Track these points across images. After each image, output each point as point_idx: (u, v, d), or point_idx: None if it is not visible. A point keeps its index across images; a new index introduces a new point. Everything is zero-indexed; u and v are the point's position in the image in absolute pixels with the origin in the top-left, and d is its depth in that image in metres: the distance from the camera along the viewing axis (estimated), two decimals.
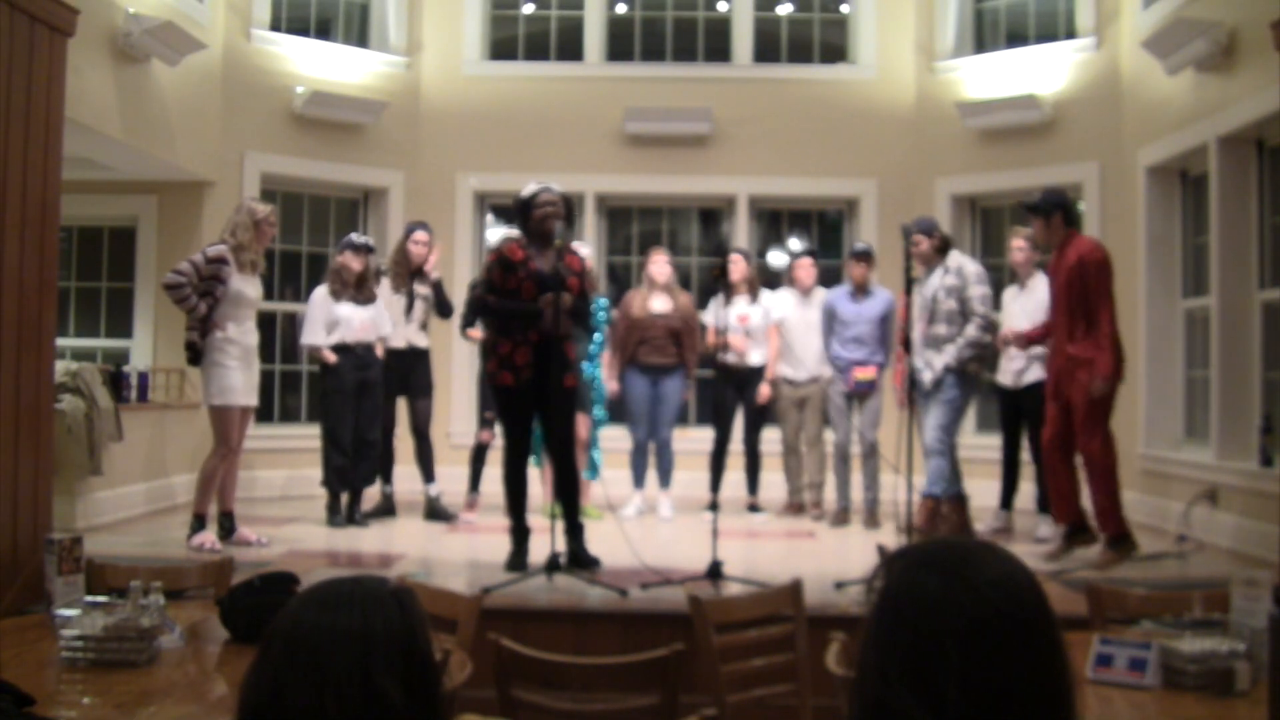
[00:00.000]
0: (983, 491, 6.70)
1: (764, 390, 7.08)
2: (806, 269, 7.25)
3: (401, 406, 6.99)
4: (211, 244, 5.73)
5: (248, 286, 5.67)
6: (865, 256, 6.90)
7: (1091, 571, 5.09)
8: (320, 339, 6.45)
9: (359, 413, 6.51)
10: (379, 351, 6.61)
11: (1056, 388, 5.51)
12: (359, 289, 6.54)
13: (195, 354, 5.63)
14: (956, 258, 5.99)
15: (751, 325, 7.10)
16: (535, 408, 5.19)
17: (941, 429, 5.87)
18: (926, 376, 5.91)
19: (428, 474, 6.90)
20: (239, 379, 5.64)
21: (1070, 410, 5.40)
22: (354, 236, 6.73)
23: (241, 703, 1.37)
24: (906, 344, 5.59)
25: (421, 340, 6.92)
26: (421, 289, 6.85)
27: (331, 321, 6.46)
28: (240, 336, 5.66)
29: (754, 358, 7.09)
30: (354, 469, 6.57)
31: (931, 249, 6.01)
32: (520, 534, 5.23)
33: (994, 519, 6.48)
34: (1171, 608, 3.00)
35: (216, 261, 5.56)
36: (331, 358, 6.42)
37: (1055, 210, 5.46)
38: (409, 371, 6.85)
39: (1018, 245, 6.37)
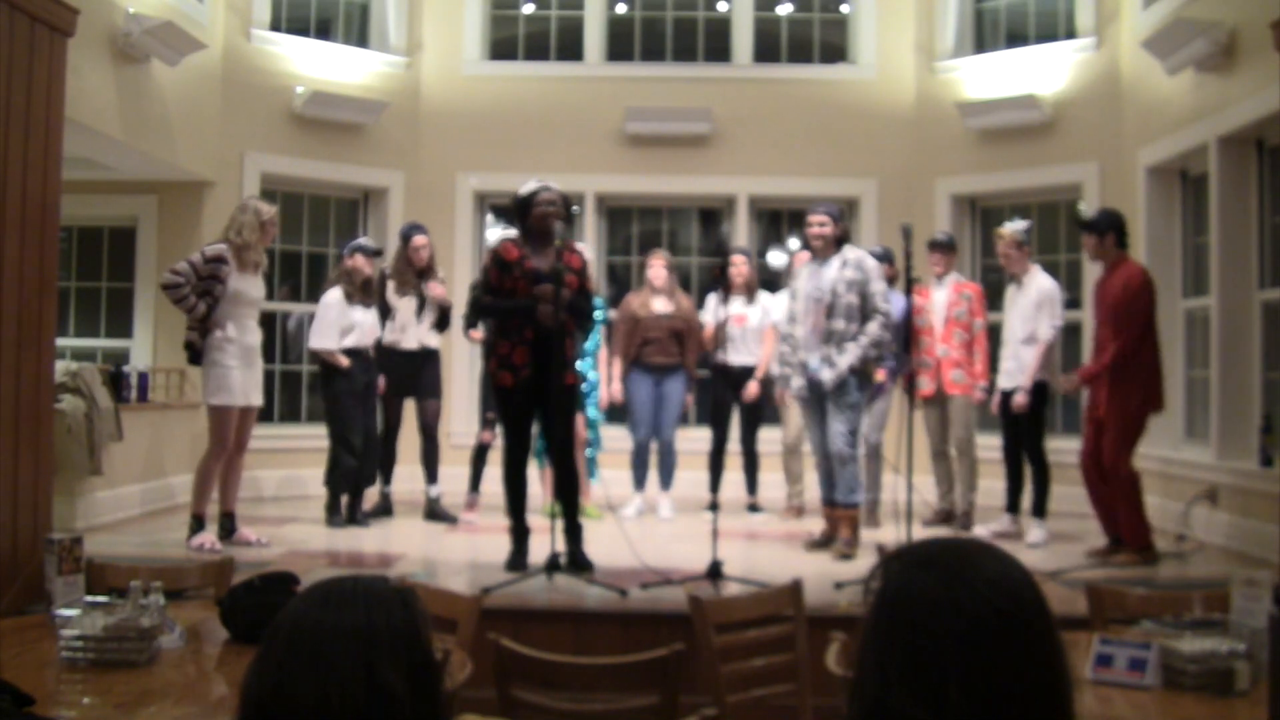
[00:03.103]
0: (987, 492, 6.70)
1: (752, 388, 7.02)
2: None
3: (408, 407, 6.95)
4: (210, 243, 5.72)
5: (248, 286, 5.67)
6: None
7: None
8: (333, 343, 6.42)
9: (366, 414, 6.55)
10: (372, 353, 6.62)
11: (1094, 406, 5.65)
12: (365, 292, 6.55)
13: (195, 354, 5.63)
14: (855, 250, 5.79)
15: (748, 326, 7.08)
16: (535, 407, 5.20)
17: (851, 434, 5.69)
18: (826, 375, 5.66)
19: (431, 475, 6.89)
20: (238, 378, 5.63)
21: (1102, 430, 5.53)
22: (363, 241, 6.74)
23: (243, 698, 1.37)
24: (907, 344, 5.59)
25: (433, 340, 6.88)
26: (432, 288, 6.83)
27: (347, 326, 6.45)
28: (240, 336, 5.65)
29: (745, 358, 7.04)
30: (359, 469, 6.58)
31: (833, 237, 5.77)
32: (520, 534, 5.23)
33: (998, 522, 6.40)
34: (1171, 608, 3.00)
35: (215, 261, 5.55)
36: (345, 362, 6.41)
37: (1109, 230, 5.61)
38: (419, 372, 6.82)
39: (1002, 252, 6.38)
